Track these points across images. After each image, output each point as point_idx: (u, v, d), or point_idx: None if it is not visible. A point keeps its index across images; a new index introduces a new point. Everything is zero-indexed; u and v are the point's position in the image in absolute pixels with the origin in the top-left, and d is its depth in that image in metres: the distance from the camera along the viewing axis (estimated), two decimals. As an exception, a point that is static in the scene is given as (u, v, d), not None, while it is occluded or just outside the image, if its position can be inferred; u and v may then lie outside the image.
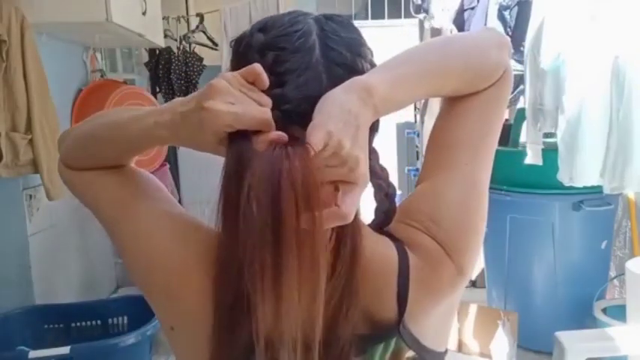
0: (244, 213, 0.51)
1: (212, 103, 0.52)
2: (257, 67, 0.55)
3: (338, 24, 0.63)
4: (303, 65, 0.58)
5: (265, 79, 0.55)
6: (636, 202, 2.64)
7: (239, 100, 0.53)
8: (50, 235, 2.01)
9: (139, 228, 0.65)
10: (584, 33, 1.98)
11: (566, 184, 2.10)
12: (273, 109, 0.55)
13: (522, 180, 2.66)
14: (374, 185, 0.63)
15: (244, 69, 0.55)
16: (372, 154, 0.63)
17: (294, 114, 0.56)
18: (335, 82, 0.56)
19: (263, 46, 0.60)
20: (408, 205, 0.65)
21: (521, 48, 2.56)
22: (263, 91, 0.56)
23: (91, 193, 0.70)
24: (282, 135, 0.53)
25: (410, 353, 0.61)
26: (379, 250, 0.61)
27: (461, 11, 2.93)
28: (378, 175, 0.63)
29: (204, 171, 2.60)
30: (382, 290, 0.60)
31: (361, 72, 0.59)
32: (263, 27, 0.62)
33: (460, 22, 2.97)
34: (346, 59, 0.60)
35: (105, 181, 0.68)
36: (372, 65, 0.63)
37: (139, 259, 0.65)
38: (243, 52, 0.62)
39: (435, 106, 4.11)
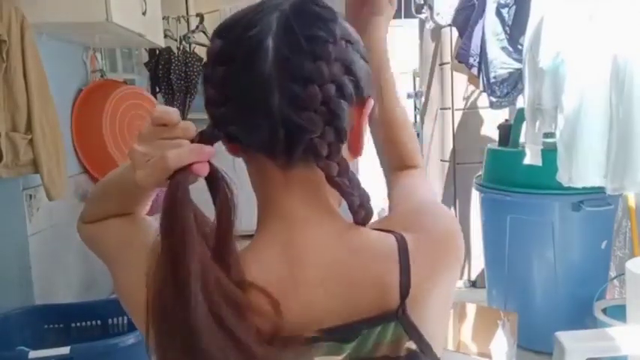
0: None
1: (137, 174, 0.55)
2: (158, 112, 0.55)
3: (308, 17, 0.57)
4: (250, 81, 0.56)
5: (172, 119, 0.55)
6: (636, 203, 2.64)
7: (154, 153, 0.54)
8: (50, 235, 2.01)
9: (129, 273, 0.66)
10: (583, 32, 1.98)
11: (565, 184, 2.10)
12: (219, 130, 0.57)
13: (522, 180, 2.66)
14: (347, 201, 0.61)
15: (153, 117, 0.55)
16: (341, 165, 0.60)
17: (239, 135, 0.57)
18: (290, 98, 0.55)
19: (215, 59, 0.58)
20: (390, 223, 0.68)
21: (519, 46, 2.57)
22: (212, 108, 0.58)
23: (100, 239, 0.75)
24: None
25: (409, 344, 0.60)
26: (377, 238, 0.62)
27: (460, 10, 2.93)
28: (347, 192, 0.60)
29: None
30: (384, 275, 0.59)
31: (321, 82, 0.55)
32: (222, 30, 0.59)
33: (459, 21, 2.97)
34: (303, 70, 0.55)
35: (109, 225, 0.73)
36: (342, 61, 0.57)
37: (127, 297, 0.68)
38: (205, 63, 0.61)
39: (434, 107, 4.11)
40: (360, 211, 0.61)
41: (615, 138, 1.86)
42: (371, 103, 0.63)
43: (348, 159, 0.62)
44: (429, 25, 3.57)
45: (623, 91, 1.82)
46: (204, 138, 0.57)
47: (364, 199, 0.61)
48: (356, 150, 0.64)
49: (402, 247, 0.60)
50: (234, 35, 0.57)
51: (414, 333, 0.60)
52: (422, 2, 3.60)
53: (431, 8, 3.30)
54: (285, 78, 0.55)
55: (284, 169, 0.59)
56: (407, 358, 0.59)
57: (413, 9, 3.79)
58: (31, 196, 1.90)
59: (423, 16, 3.67)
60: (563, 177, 2.09)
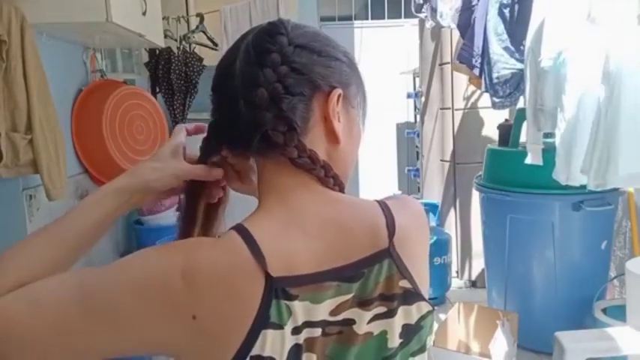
0: None
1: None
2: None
3: (259, 35, 0.71)
4: (225, 97, 0.71)
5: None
6: (636, 203, 2.64)
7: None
8: (50, 235, 2.01)
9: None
10: (581, 33, 1.98)
11: (563, 183, 2.10)
12: (214, 141, 0.76)
13: (522, 180, 2.66)
14: (314, 175, 0.72)
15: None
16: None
17: (226, 140, 0.74)
18: (248, 102, 0.68)
19: (212, 88, 0.74)
20: None
21: (521, 47, 2.57)
22: (210, 127, 0.76)
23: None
24: None
25: (404, 283, 0.70)
26: (359, 199, 0.75)
27: (463, 10, 2.93)
28: (309, 168, 0.71)
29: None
30: (373, 218, 0.70)
31: (267, 84, 0.67)
32: (218, 63, 0.74)
33: (461, 22, 2.97)
34: (254, 78, 0.68)
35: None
36: (289, 64, 0.69)
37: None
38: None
39: (434, 107, 4.11)
40: (329, 180, 0.72)
41: (602, 136, 1.86)
42: (336, 92, 0.71)
43: (326, 147, 0.72)
44: (429, 25, 3.57)
45: (612, 95, 1.83)
46: (204, 151, 0.76)
47: (327, 170, 0.72)
48: (333, 137, 0.72)
49: (383, 203, 0.73)
50: (220, 65, 0.73)
51: (404, 271, 0.70)
52: (421, 2, 3.59)
53: (434, 10, 3.30)
54: (245, 87, 0.68)
55: (262, 156, 0.72)
56: (403, 295, 0.70)
57: (412, 8, 3.79)
58: (31, 196, 1.90)
59: (422, 15, 3.66)
60: (560, 175, 2.09)
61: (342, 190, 0.75)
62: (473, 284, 3.82)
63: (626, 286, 2.19)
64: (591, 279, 2.65)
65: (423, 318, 0.71)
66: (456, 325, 2.58)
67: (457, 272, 3.87)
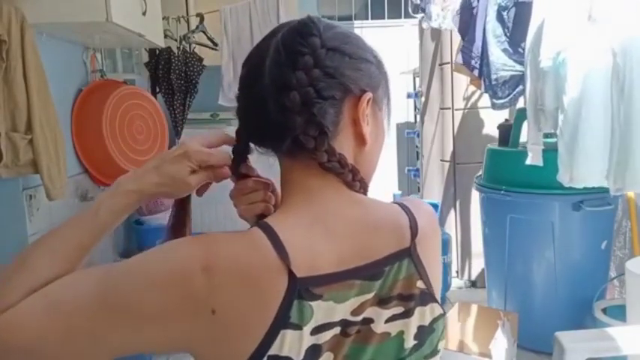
0: None
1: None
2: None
3: (291, 36, 0.70)
4: (254, 97, 0.70)
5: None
6: (636, 202, 2.64)
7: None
8: (50, 235, 2.01)
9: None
10: (583, 32, 1.98)
11: (566, 184, 2.09)
12: (241, 142, 0.75)
13: (522, 180, 2.66)
14: (341, 179, 0.72)
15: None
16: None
17: (253, 140, 0.75)
18: (278, 104, 0.66)
19: (239, 86, 0.74)
20: None
21: (520, 49, 2.57)
22: (239, 128, 0.76)
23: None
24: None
25: (420, 284, 0.70)
26: (381, 201, 0.76)
27: (463, 11, 2.93)
28: (338, 172, 0.71)
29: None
30: (397, 219, 0.72)
31: (299, 87, 0.66)
32: (245, 60, 0.74)
33: (462, 23, 2.97)
34: (285, 80, 0.67)
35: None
36: (322, 67, 0.67)
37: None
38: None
39: (434, 107, 4.11)
40: (355, 183, 0.72)
41: (617, 138, 1.85)
42: (367, 96, 0.71)
43: (353, 149, 0.72)
44: (425, 26, 3.57)
45: (623, 92, 1.81)
46: (236, 155, 0.76)
47: (355, 173, 0.72)
48: (360, 140, 0.72)
49: (403, 205, 0.74)
50: (248, 63, 0.73)
51: (422, 271, 0.71)
52: (418, 2, 3.59)
53: (424, 10, 3.30)
54: (276, 89, 0.67)
55: (289, 157, 0.72)
56: (420, 296, 0.70)
57: (410, 9, 3.79)
58: (31, 196, 1.90)
59: (419, 16, 3.66)
60: (564, 177, 2.08)
61: (365, 193, 0.75)
62: (473, 284, 3.82)
63: (626, 286, 2.19)
64: (591, 279, 2.65)
65: (435, 320, 0.72)
66: (456, 325, 2.58)
67: (457, 272, 3.87)
